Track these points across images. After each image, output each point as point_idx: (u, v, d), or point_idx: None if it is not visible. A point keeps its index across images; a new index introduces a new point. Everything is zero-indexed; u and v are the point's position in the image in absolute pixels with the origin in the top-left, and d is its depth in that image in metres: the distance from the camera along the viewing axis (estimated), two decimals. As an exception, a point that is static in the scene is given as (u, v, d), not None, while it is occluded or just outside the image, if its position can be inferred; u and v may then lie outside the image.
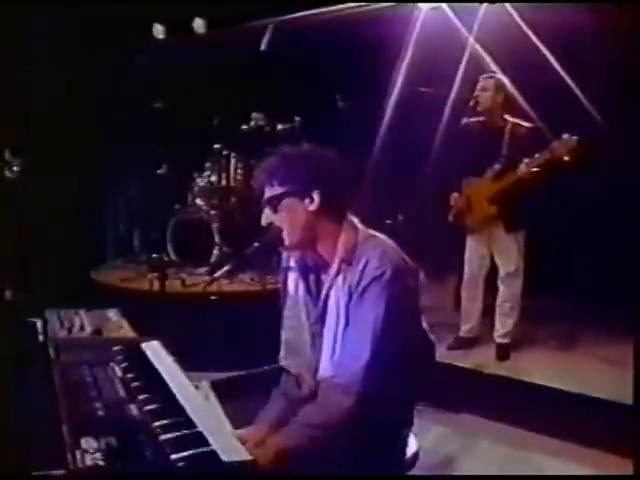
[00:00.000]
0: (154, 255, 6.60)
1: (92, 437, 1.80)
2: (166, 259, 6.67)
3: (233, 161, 7.13)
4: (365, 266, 2.38)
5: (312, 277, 2.59)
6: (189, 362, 2.48)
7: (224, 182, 7.14)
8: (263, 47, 7.34)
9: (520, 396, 4.95)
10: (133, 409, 2.04)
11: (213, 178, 7.14)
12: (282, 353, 2.71)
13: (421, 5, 6.50)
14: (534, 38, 5.86)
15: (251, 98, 7.35)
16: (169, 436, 1.87)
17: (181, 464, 1.76)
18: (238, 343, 5.57)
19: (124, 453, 1.78)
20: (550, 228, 5.98)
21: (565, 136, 4.94)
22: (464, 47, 6.28)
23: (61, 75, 6.85)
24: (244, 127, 7.17)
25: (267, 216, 2.53)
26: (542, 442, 4.60)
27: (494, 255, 5.52)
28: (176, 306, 6.01)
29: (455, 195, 5.56)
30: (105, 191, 7.96)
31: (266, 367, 2.93)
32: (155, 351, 2.48)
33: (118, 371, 2.29)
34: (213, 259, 6.63)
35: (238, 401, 2.74)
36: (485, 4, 6.15)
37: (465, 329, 5.72)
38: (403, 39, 6.68)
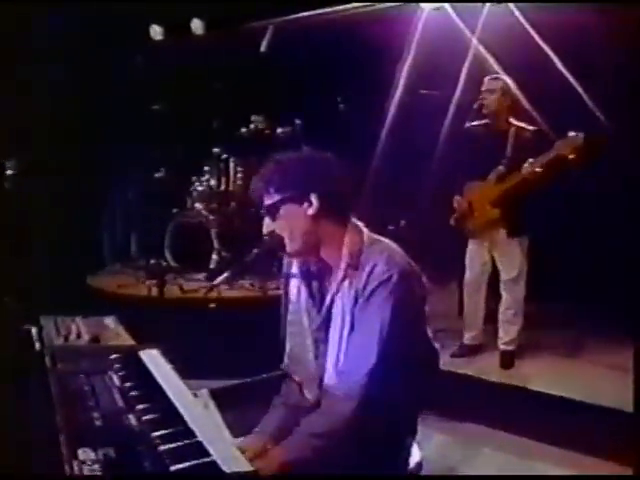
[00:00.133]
0: (152, 261, 6.60)
1: (90, 448, 1.79)
2: (164, 264, 6.66)
3: (232, 165, 7.13)
4: (372, 270, 2.38)
5: (315, 283, 2.59)
6: (188, 370, 2.48)
7: (223, 186, 7.15)
8: (263, 48, 7.35)
9: (524, 404, 4.94)
10: (131, 419, 2.02)
11: (212, 182, 7.14)
12: (285, 360, 2.71)
13: (423, 5, 6.50)
14: (538, 39, 5.85)
15: (251, 100, 7.36)
16: (168, 446, 1.86)
17: (181, 475, 1.75)
18: (238, 350, 5.57)
19: (122, 464, 1.77)
20: (553, 232, 5.97)
21: (571, 134, 4.93)
22: (467, 48, 6.28)
23: (57, 77, 6.85)
24: (244, 130, 7.17)
25: (267, 225, 2.53)
26: (546, 451, 4.58)
27: (496, 260, 5.51)
28: (175, 313, 5.99)
29: (457, 198, 5.55)
30: (102, 195, 7.95)
31: (266, 375, 2.92)
32: (154, 359, 2.47)
33: (116, 380, 2.28)
34: (212, 264, 6.63)
35: (238, 410, 2.74)
36: (488, 4, 6.15)
37: (469, 337, 5.72)
38: (405, 40, 6.68)
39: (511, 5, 6.00)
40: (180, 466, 1.77)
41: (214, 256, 6.66)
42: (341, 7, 6.69)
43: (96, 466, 1.73)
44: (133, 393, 2.17)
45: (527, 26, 5.88)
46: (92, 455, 1.77)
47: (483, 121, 5.49)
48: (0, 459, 1.78)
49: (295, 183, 2.47)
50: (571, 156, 4.88)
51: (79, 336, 2.72)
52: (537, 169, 5.06)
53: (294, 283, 2.66)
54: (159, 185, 7.41)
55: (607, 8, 5.36)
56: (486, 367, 5.46)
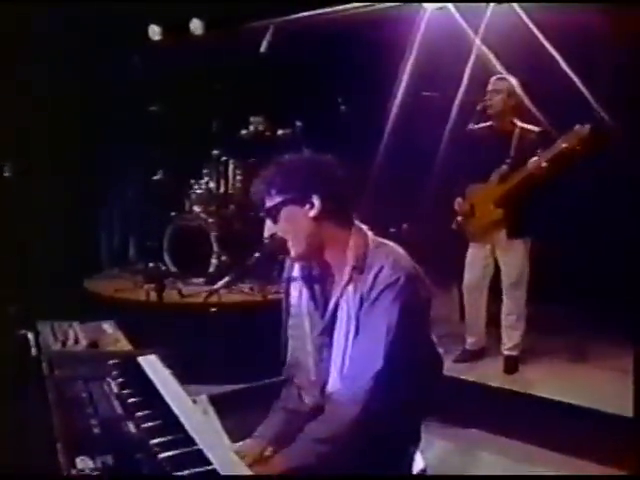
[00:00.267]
0: (150, 264, 6.59)
1: (88, 456, 1.78)
2: (163, 268, 6.65)
3: (232, 167, 7.13)
4: (378, 274, 2.38)
5: (317, 287, 2.59)
6: (187, 375, 2.47)
7: (222, 189, 7.15)
8: (263, 49, 7.34)
9: (529, 410, 4.94)
10: (130, 426, 2.01)
11: (211, 184, 7.14)
12: (287, 365, 2.72)
13: (426, 5, 6.49)
14: (542, 39, 5.85)
15: (251, 102, 7.35)
16: (168, 454, 1.85)
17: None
18: (238, 355, 5.56)
19: (121, 473, 1.76)
20: (556, 234, 5.96)
21: (577, 127, 4.94)
22: (470, 48, 6.28)
23: (53, 77, 6.85)
24: (243, 132, 7.18)
25: (269, 228, 2.54)
26: (550, 457, 4.57)
27: (498, 263, 5.50)
28: (174, 317, 5.97)
29: (459, 200, 5.55)
30: (100, 197, 7.94)
31: (266, 380, 2.92)
32: (152, 365, 2.46)
33: (114, 386, 2.27)
34: (211, 268, 6.62)
35: (237, 416, 2.74)
36: (492, 4, 6.15)
37: (471, 342, 5.71)
38: (407, 40, 6.67)
39: (515, 5, 5.99)
40: (180, 474, 1.77)
41: (213, 260, 6.65)
42: (342, 7, 6.69)
43: (94, 474, 1.72)
44: (132, 400, 2.16)
45: (531, 26, 5.87)
46: (90, 463, 1.76)
47: (487, 123, 5.49)
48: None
49: (296, 185, 2.47)
50: (578, 147, 4.88)
51: (77, 341, 2.71)
52: (543, 163, 5.05)
53: (295, 286, 2.66)
54: (157, 187, 7.40)
55: (611, 8, 5.36)
56: (489, 372, 5.46)
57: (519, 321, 5.47)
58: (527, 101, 5.44)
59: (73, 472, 1.72)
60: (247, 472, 1.87)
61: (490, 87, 5.44)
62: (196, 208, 7.04)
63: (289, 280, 2.68)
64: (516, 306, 5.45)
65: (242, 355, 5.55)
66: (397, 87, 6.92)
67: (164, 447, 1.89)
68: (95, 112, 7.31)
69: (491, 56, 6.06)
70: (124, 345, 2.76)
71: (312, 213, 2.46)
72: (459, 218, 5.56)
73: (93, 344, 2.69)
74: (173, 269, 6.77)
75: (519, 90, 5.38)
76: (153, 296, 6.10)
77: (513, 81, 5.40)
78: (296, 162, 2.59)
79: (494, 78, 5.48)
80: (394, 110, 6.95)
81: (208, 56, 7.58)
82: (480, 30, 6.22)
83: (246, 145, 7.07)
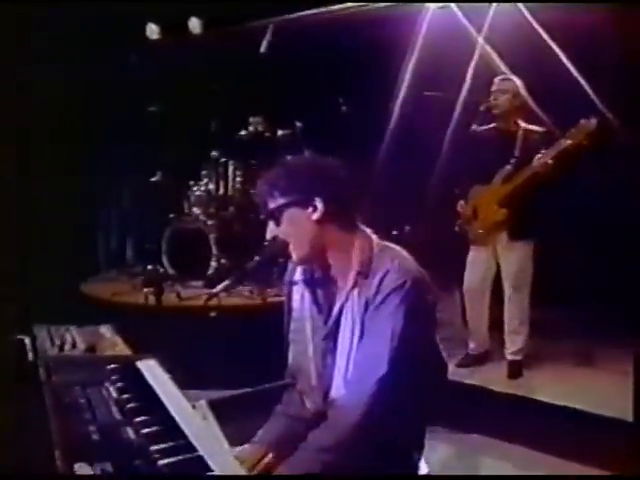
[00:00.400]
0: (149, 267, 6.58)
1: (86, 463, 1.77)
2: (161, 271, 6.65)
3: (231, 168, 7.12)
4: (383, 278, 2.38)
5: (320, 291, 2.59)
6: (187, 380, 2.47)
7: (222, 190, 7.14)
8: (263, 48, 7.34)
9: (533, 416, 4.93)
10: (129, 432, 2.01)
11: (210, 186, 7.13)
12: (289, 370, 2.71)
13: (428, 4, 6.50)
14: (547, 38, 5.84)
15: (250, 102, 7.35)
16: (168, 461, 1.84)
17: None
18: (237, 359, 5.56)
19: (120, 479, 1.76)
20: (560, 236, 5.95)
21: (583, 121, 4.93)
22: (473, 48, 6.28)
23: (48, 77, 6.85)
24: (243, 133, 7.17)
25: (271, 230, 2.54)
26: (555, 464, 4.55)
27: (500, 266, 5.49)
28: (173, 321, 5.98)
29: (462, 203, 5.55)
30: (97, 198, 7.93)
31: (266, 385, 2.91)
32: (152, 370, 2.45)
33: (113, 392, 2.26)
34: (211, 271, 6.61)
35: (238, 421, 2.73)
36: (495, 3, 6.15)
37: (473, 346, 5.70)
38: (409, 40, 6.68)
39: (518, 3, 5.99)
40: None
41: (213, 263, 6.64)
42: (343, 6, 6.69)
43: (94, 481, 1.72)
44: (131, 405, 2.15)
45: (535, 25, 5.87)
46: (89, 470, 1.75)
47: (491, 125, 5.49)
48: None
49: (300, 187, 2.47)
50: (584, 142, 4.88)
51: (74, 346, 2.70)
52: (549, 161, 5.05)
53: (298, 290, 2.66)
54: (155, 189, 7.40)
55: (617, 6, 5.36)
56: (493, 377, 5.45)
57: (522, 325, 5.45)
58: (531, 102, 5.43)
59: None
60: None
61: (495, 87, 5.43)
62: (195, 210, 7.04)
63: (291, 283, 2.68)
64: (519, 310, 5.44)
65: (242, 359, 5.55)
66: (399, 87, 6.92)
67: (164, 453, 1.88)
68: (92, 112, 7.30)
69: (494, 55, 6.05)
70: (122, 349, 2.75)
71: (315, 216, 2.46)
72: (461, 221, 5.55)
73: (91, 348, 2.68)
74: (172, 272, 6.77)
75: (523, 91, 5.38)
76: (152, 299, 6.10)
77: (518, 82, 5.40)
78: (300, 164, 2.61)
79: (499, 78, 5.48)
80: (396, 110, 6.95)
81: (207, 56, 7.59)
82: (483, 29, 6.21)
83: (246, 146, 7.07)
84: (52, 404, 2.13)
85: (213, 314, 3.52)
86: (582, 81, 5.71)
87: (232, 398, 3.16)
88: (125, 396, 2.22)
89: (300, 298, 2.63)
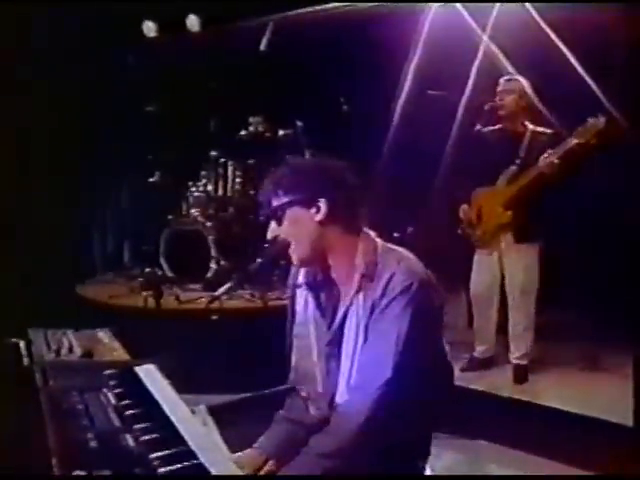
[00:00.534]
0: (146, 269, 6.57)
1: (84, 470, 1.76)
2: (159, 273, 6.63)
3: (231, 169, 7.12)
4: (389, 280, 2.37)
5: (324, 295, 2.58)
6: (186, 384, 2.45)
7: (221, 191, 7.14)
8: (262, 46, 7.33)
9: (539, 421, 4.91)
10: (128, 439, 1.99)
11: (209, 187, 7.13)
12: (292, 375, 2.70)
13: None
14: (553, 36, 5.82)
15: (250, 101, 7.35)
16: (168, 469, 1.83)
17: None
18: (238, 363, 5.54)
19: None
20: (566, 238, 5.94)
21: (591, 119, 4.92)
22: (477, 46, 6.26)
23: (48, 77, 6.84)
24: (242, 132, 7.17)
25: (272, 230, 2.53)
26: (561, 470, 4.53)
27: (505, 270, 5.47)
28: (172, 325, 5.97)
29: (465, 207, 5.53)
30: (93, 198, 7.92)
31: (269, 390, 2.90)
32: (151, 375, 2.44)
33: (111, 398, 2.25)
34: (210, 274, 6.60)
35: (237, 427, 2.72)
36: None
37: (480, 350, 5.68)
38: (412, 38, 6.66)
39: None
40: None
41: (212, 265, 6.63)
42: (345, 4, 6.68)
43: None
44: (130, 411, 2.14)
45: (540, 23, 5.85)
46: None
47: (497, 126, 5.47)
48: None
49: (305, 186, 2.47)
50: (592, 142, 4.86)
51: (71, 350, 2.69)
52: (556, 161, 5.03)
53: (301, 294, 2.64)
54: (154, 189, 7.38)
55: (624, 5, 5.34)
56: (498, 382, 5.44)
57: (527, 330, 5.44)
58: (538, 102, 5.42)
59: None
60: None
61: (501, 87, 5.42)
62: (194, 211, 7.03)
63: (294, 287, 2.67)
64: (525, 314, 5.42)
65: (242, 363, 5.53)
66: (401, 86, 6.89)
67: (164, 461, 1.87)
68: (88, 112, 7.28)
69: (499, 54, 6.04)
70: (121, 354, 2.75)
71: (318, 217, 2.45)
72: (464, 224, 5.53)
73: (88, 353, 2.67)
74: (170, 274, 6.75)
75: (530, 91, 5.36)
76: (151, 302, 6.08)
77: (524, 81, 5.38)
78: (306, 164, 2.65)
79: (504, 78, 5.47)
80: (398, 110, 6.93)
81: (205, 54, 7.57)
82: (488, 27, 6.19)
83: (245, 146, 7.07)
84: (49, 410, 2.12)
85: (214, 317, 3.51)
86: (590, 81, 5.68)
87: (232, 403, 3.15)
88: (124, 402, 2.21)
89: (304, 302, 2.62)
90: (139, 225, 7.65)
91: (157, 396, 2.26)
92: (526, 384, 5.41)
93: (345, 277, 2.48)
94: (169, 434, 2.01)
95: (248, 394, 3.01)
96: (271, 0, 7.07)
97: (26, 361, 2.54)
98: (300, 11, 6.94)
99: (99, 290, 6.93)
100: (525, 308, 5.42)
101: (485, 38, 6.21)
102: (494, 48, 6.14)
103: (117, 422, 2.10)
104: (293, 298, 2.68)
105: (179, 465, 1.85)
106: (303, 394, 2.63)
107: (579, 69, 5.75)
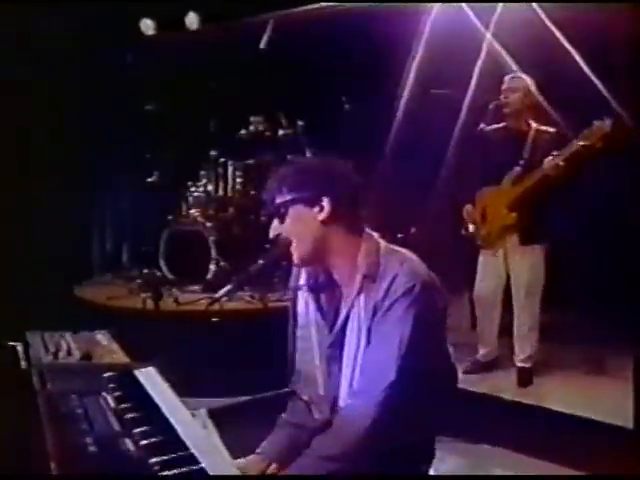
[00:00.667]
0: (145, 270, 6.56)
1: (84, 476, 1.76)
2: (158, 275, 6.63)
3: (231, 169, 7.12)
4: (392, 282, 2.36)
5: (324, 296, 2.57)
6: (186, 387, 2.45)
7: (221, 191, 7.13)
8: (262, 44, 7.32)
9: (543, 425, 4.90)
10: (128, 444, 1.98)
11: (209, 187, 7.13)
12: (293, 377, 2.70)
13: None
14: (558, 34, 5.82)
15: (250, 100, 7.34)
16: (169, 473, 1.83)
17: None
18: (238, 366, 5.54)
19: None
20: (572, 239, 5.93)
21: (596, 122, 4.90)
22: (481, 44, 6.25)
23: (46, 77, 6.84)
24: (243, 132, 7.16)
25: (275, 228, 2.53)
26: (565, 474, 4.54)
27: (510, 271, 5.47)
28: (171, 327, 5.96)
29: (468, 207, 5.52)
30: (91, 198, 7.91)
31: (269, 393, 2.90)
32: (151, 378, 2.43)
33: (111, 401, 2.24)
34: (210, 275, 6.59)
35: (238, 430, 2.71)
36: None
37: (483, 352, 5.68)
38: (414, 36, 6.66)
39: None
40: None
41: (212, 266, 6.62)
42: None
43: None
44: (129, 415, 2.14)
45: (546, 20, 5.84)
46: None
47: (501, 124, 5.47)
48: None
49: (309, 185, 2.47)
50: (598, 145, 4.85)
51: (69, 353, 2.68)
52: (561, 163, 5.02)
53: (302, 295, 2.64)
54: (153, 189, 7.38)
55: (628, 4, 5.34)
56: (502, 384, 5.43)
57: (532, 332, 5.44)
58: (543, 101, 5.41)
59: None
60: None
61: (505, 85, 5.41)
62: (193, 211, 7.03)
63: (296, 289, 2.66)
64: (529, 316, 5.41)
65: (242, 366, 5.53)
66: (404, 85, 6.89)
67: (164, 466, 1.86)
68: (86, 112, 7.27)
69: (503, 52, 6.03)
70: (120, 357, 2.73)
71: (321, 216, 2.45)
72: (468, 226, 5.52)
73: (87, 356, 2.66)
74: (169, 276, 6.75)
75: (534, 89, 5.36)
76: (150, 304, 6.07)
77: (528, 80, 5.38)
78: (312, 163, 2.67)
79: (509, 76, 5.47)
80: (401, 109, 6.93)
81: (205, 52, 7.56)
82: (491, 25, 6.19)
83: (246, 146, 7.06)
84: (47, 414, 2.11)
85: (215, 319, 3.51)
86: (595, 80, 5.67)
87: (233, 406, 3.14)
88: (123, 406, 2.20)
89: (305, 304, 2.62)
90: (138, 225, 7.65)
91: (157, 399, 2.25)
92: (530, 387, 5.40)
93: (347, 278, 2.48)
94: (169, 438, 2.00)
95: (249, 397, 3.01)
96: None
97: (24, 364, 2.52)
98: (301, 8, 6.94)
99: (97, 291, 6.93)
100: (530, 309, 5.41)
101: (489, 36, 6.21)
102: (498, 46, 6.13)
103: (117, 426, 2.09)
104: (294, 300, 2.67)
105: (180, 470, 1.84)
106: (304, 397, 2.63)
107: (584, 67, 5.75)
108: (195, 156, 7.30)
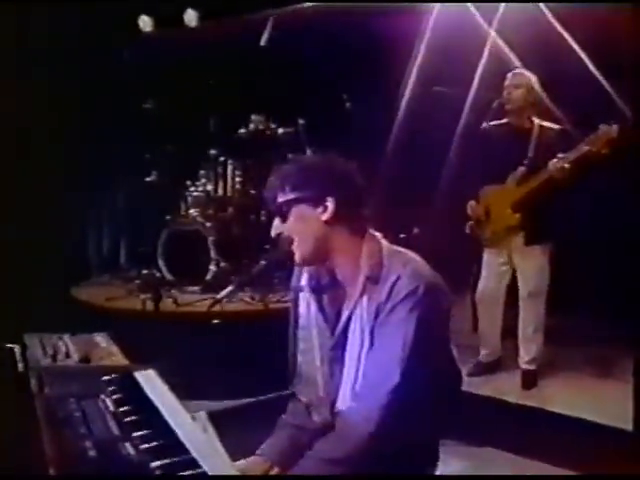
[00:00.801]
0: (144, 271, 6.55)
1: (83, 480, 1.75)
2: (157, 275, 6.62)
3: (230, 168, 7.11)
4: (395, 283, 2.36)
5: (326, 297, 2.57)
6: (186, 390, 2.45)
7: (221, 191, 7.13)
8: (263, 42, 7.31)
9: (547, 428, 4.90)
10: (128, 447, 1.98)
11: (209, 186, 7.13)
12: (294, 379, 2.69)
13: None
14: (562, 31, 5.82)
15: (250, 99, 7.33)
16: (170, 477, 1.83)
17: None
18: (238, 368, 5.53)
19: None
20: (578, 240, 5.93)
21: (603, 127, 4.90)
22: (484, 41, 6.25)
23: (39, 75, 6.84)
24: (242, 131, 7.15)
25: (276, 227, 2.52)
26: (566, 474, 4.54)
27: (515, 271, 5.47)
28: (170, 328, 5.95)
29: (472, 203, 5.51)
30: (89, 198, 7.89)
31: (269, 395, 2.90)
32: (150, 381, 2.43)
33: (110, 404, 2.24)
34: (209, 276, 6.58)
35: (238, 433, 2.71)
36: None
37: (485, 353, 5.68)
38: (416, 33, 6.66)
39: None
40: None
41: (211, 267, 6.61)
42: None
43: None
44: (129, 419, 2.14)
45: (549, 17, 5.85)
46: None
47: (503, 120, 5.46)
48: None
49: (313, 184, 2.47)
50: (604, 151, 4.85)
51: (68, 355, 2.68)
52: (566, 165, 5.02)
53: (304, 297, 2.63)
54: (151, 189, 7.37)
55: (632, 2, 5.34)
56: (505, 387, 5.43)
57: (537, 333, 5.44)
58: (546, 98, 5.41)
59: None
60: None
61: (508, 82, 5.41)
62: (192, 211, 7.02)
63: (297, 290, 2.66)
64: (534, 317, 5.42)
65: (243, 368, 5.52)
66: (406, 83, 6.89)
67: (165, 470, 1.86)
68: (83, 110, 7.27)
69: (506, 49, 6.03)
70: (119, 359, 2.73)
71: (324, 216, 2.45)
72: (472, 223, 5.52)
73: (85, 358, 2.65)
74: (168, 276, 6.74)
75: (538, 86, 5.35)
76: (149, 305, 6.06)
77: (531, 76, 5.37)
78: (316, 162, 2.62)
79: (512, 73, 5.46)
80: (403, 107, 6.93)
81: (203, 50, 7.55)
82: (494, 22, 6.19)
83: (245, 145, 7.05)
84: (45, 418, 2.10)
85: (216, 321, 3.51)
86: (600, 77, 5.67)
87: (233, 409, 3.15)
88: (123, 409, 2.20)
89: (307, 305, 2.61)
90: (136, 225, 7.64)
91: (157, 402, 2.25)
92: (534, 389, 5.40)
93: (349, 279, 2.48)
94: (170, 441, 2.00)
95: (249, 400, 3.02)
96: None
97: (21, 367, 2.51)
98: (302, 6, 6.93)
99: (95, 292, 6.91)
100: (535, 310, 5.42)
101: (492, 33, 6.21)
102: (501, 43, 6.13)
103: (116, 430, 2.09)
104: (296, 301, 2.67)
105: (180, 474, 1.84)
106: (304, 399, 2.63)
107: (588, 65, 5.75)
108: (194, 155, 7.29)
